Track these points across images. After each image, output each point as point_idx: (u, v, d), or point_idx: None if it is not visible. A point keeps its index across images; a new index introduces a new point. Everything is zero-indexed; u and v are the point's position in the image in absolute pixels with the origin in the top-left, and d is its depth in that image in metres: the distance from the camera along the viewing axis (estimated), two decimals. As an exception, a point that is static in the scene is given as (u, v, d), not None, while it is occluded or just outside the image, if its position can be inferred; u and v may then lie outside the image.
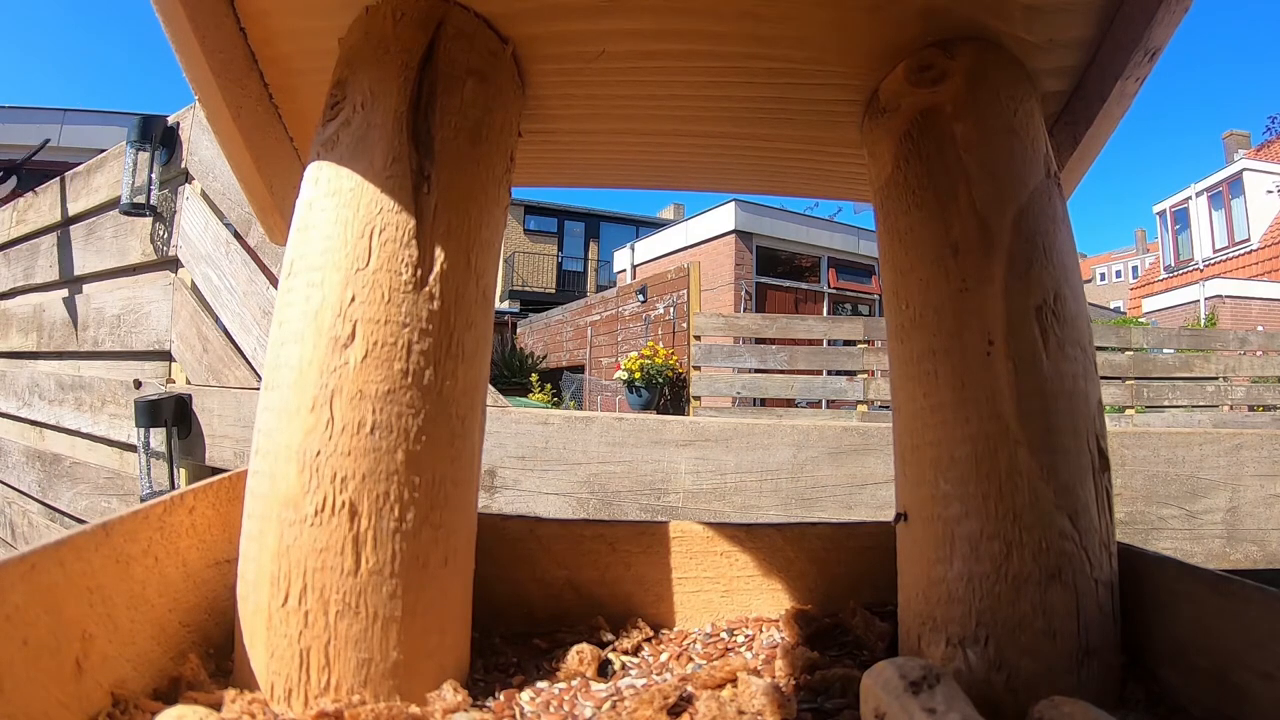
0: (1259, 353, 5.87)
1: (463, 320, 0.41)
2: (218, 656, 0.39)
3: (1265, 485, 1.11)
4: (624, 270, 14.62)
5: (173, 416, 1.63)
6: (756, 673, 0.41)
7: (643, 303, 9.20)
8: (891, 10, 0.45)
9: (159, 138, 1.86)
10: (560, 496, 1.17)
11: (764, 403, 7.37)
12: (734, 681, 0.39)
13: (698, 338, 5.22)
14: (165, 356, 1.85)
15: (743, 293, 11.24)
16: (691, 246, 12.29)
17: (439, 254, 0.41)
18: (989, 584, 0.38)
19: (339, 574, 0.36)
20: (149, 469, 1.66)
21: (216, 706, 0.33)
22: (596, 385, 9.56)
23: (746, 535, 0.54)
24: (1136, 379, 5.33)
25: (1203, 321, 13.96)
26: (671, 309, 8.61)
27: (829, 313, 11.90)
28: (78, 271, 2.24)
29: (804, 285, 12.46)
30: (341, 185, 0.41)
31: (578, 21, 0.47)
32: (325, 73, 0.46)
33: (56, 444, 2.23)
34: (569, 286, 18.67)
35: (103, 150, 2.21)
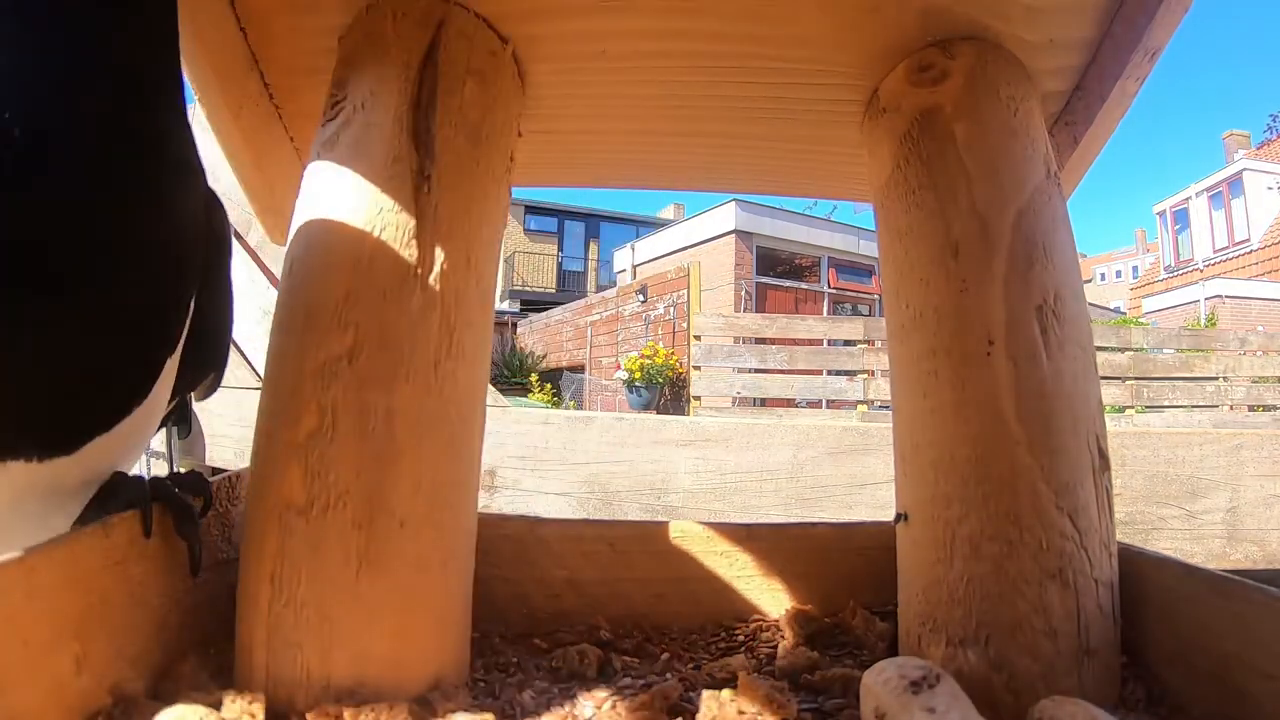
0: (1259, 353, 5.87)
1: (463, 320, 0.41)
2: (218, 656, 0.39)
3: (1265, 485, 1.11)
4: (624, 270, 14.62)
5: (173, 416, 1.63)
6: (756, 673, 0.41)
7: (643, 303, 9.20)
8: (891, 10, 0.45)
9: (159, 138, 1.85)
10: (560, 496, 1.17)
11: (764, 403, 7.37)
12: (734, 681, 0.39)
13: (698, 338, 5.22)
14: (165, 356, 1.85)
15: (743, 293, 11.24)
16: (691, 246, 12.28)
17: (439, 254, 0.41)
18: (989, 584, 0.38)
19: (339, 574, 0.36)
20: (149, 469, 1.66)
21: (216, 706, 0.32)
22: (596, 385, 9.56)
23: (746, 535, 0.54)
24: (1136, 379, 5.33)
25: (1203, 321, 13.96)
26: (671, 309, 8.62)
27: (829, 313, 11.90)
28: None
29: (804, 285, 12.46)
30: (341, 185, 0.41)
31: (578, 21, 0.47)
32: (325, 73, 0.46)
33: (56, 444, 2.23)
34: (569, 286, 18.65)
35: (103, 150, 2.21)
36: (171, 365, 0.41)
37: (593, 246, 19.53)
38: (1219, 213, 17.23)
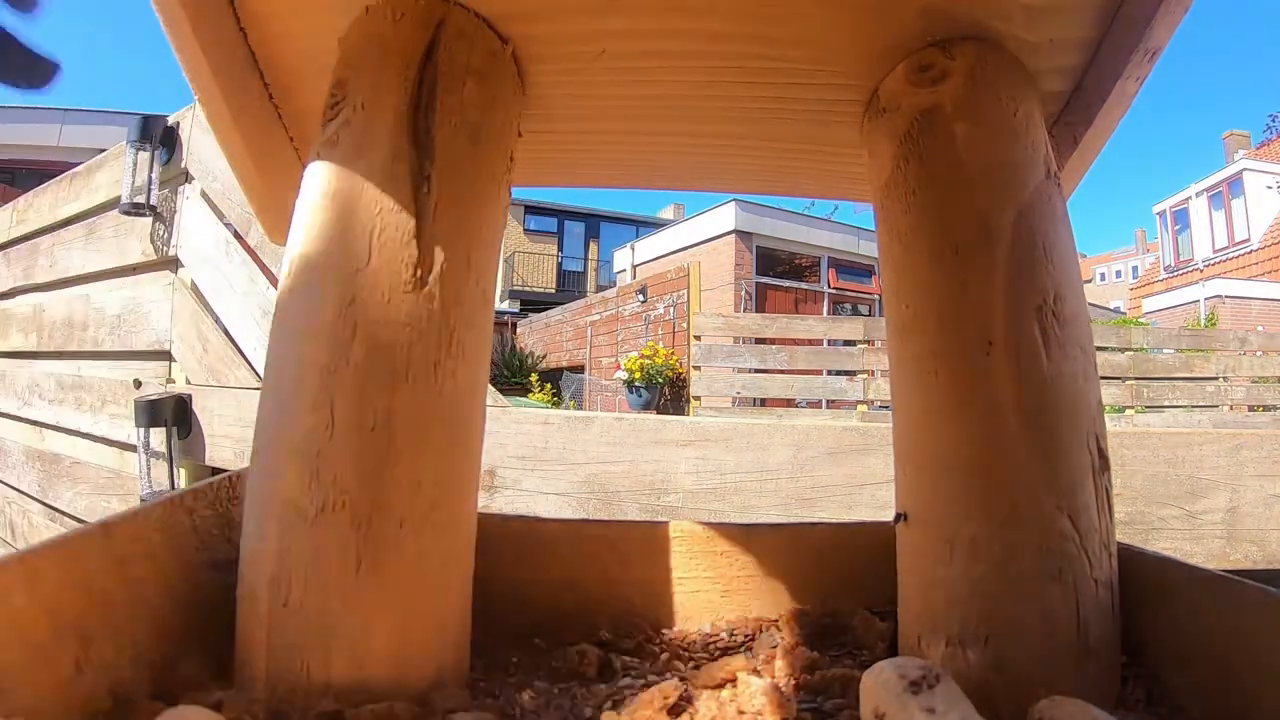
0: (1259, 353, 5.87)
1: (463, 320, 0.41)
2: (218, 656, 0.39)
3: (1265, 485, 1.11)
4: (624, 270, 14.62)
5: (173, 416, 1.63)
6: (756, 673, 0.41)
7: (643, 303, 9.19)
8: (891, 10, 0.45)
9: (159, 138, 1.86)
10: (560, 496, 1.17)
11: (764, 403, 7.37)
12: (734, 681, 0.39)
13: (698, 338, 5.22)
14: (165, 356, 1.85)
15: (743, 293, 11.24)
16: (691, 246, 12.29)
17: (439, 254, 0.41)
18: (989, 584, 0.38)
19: (339, 574, 0.36)
20: (149, 469, 1.66)
21: (216, 706, 0.33)
22: (596, 385, 9.55)
23: (746, 535, 0.54)
24: (1136, 379, 5.33)
25: (1203, 321, 13.96)
26: (671, 309, 8.61)
27: (829, 313, 11.90)
28: (77, 271, 2.24)
29: (804, 285, 12.46)
30: (341, 185, 0.41)
31: (578, 21, 0.47)
32: (325, 73, 0.46)
33: (56, 444, 2.23)
34: (569, 286, 18.66)
35: (103, 150, 2.21)
36: None
37: (593, 246, 19.53)
38: (1219, 213, 17.23)
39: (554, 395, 9.50)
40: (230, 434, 1.60)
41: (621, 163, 0.68)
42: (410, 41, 0.43)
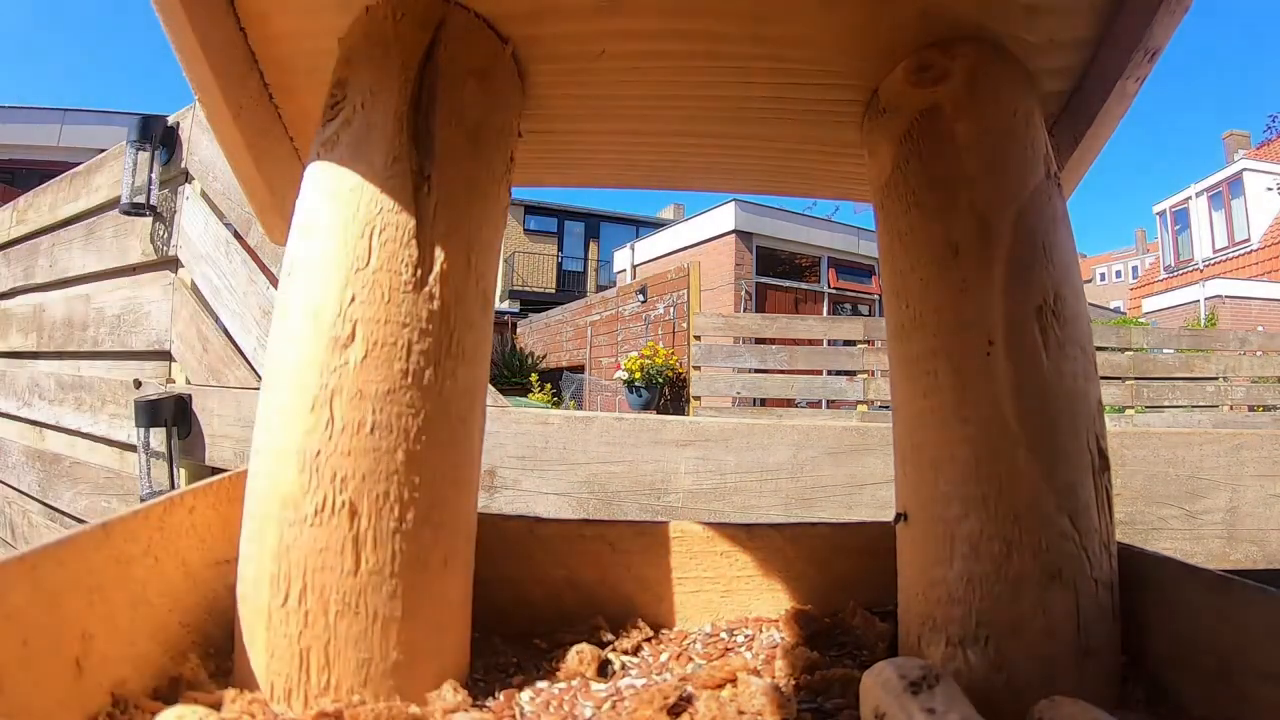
0: (1259, 353, 5.87)
1: (463, 320, 0.41)
2: (218, 656, 0.39)
3: (1265, 485, 1.11)
4: (624, 270, 14.62)
5: (173, 416, 1.63)
6: (756, 673, 0.41)
7: (643, 303, 9.19)
8: (892, 10, 0.45)
9: (159, 138, 1.86)
10: (560, 496, 1.17)
11: (764, 403, 7.37)
12: (734, 681, 0.39)
13: (698, 338, 5.22)
14: (165, 356, 1.85)
15: (743, 293, 11.24)
16: (691, 246, 12.29)
17: (439, 254, 0.41)
18: (989, 584, 0.38)
19: (339, 574, 0.36)
20: (149, 469, 1.66)
21: (216, 706, 0.33)
22: (596, 385, 9.55)
23: (746, 535, 0.54)
24: (1136, 379, 5.34)
25: (1203, 321, 13.96)
26: (671, 309, 8.61)
27: (829, 313, 11.90)
28: (77, 271, 2.24)
29: (804, 285, 12.47)
30: (341, 185, 0.41)
31: (578, 22, 0.47)
32: (325, 73, 0.46)
33: (56, 444, 2.23)
34: (569, 286, 18.66)
35: (103, 150, 2.21)
36: None
37: (593, 246, 19.53)
38: (1219, 213, 17.23)
39: (554, 395, 9.50)
40: (230, 434, 1.60)
41: (621, 163, 0.68)
42: (410, 41, 0.43)
